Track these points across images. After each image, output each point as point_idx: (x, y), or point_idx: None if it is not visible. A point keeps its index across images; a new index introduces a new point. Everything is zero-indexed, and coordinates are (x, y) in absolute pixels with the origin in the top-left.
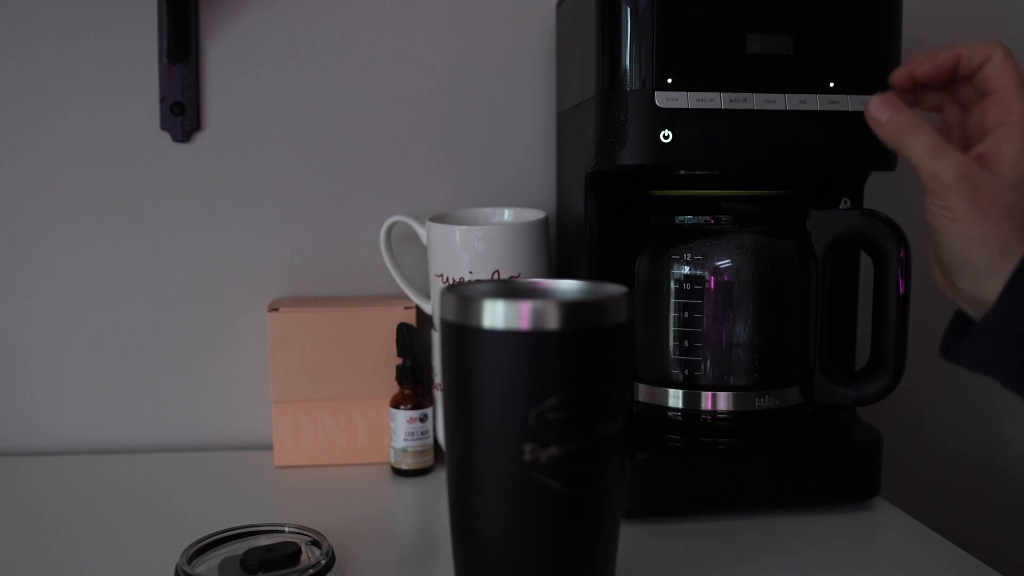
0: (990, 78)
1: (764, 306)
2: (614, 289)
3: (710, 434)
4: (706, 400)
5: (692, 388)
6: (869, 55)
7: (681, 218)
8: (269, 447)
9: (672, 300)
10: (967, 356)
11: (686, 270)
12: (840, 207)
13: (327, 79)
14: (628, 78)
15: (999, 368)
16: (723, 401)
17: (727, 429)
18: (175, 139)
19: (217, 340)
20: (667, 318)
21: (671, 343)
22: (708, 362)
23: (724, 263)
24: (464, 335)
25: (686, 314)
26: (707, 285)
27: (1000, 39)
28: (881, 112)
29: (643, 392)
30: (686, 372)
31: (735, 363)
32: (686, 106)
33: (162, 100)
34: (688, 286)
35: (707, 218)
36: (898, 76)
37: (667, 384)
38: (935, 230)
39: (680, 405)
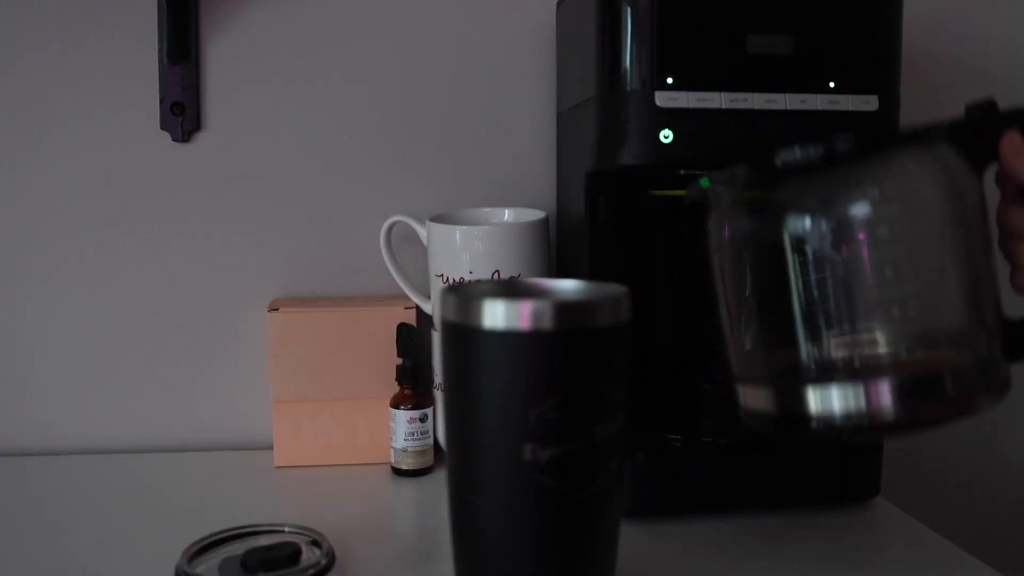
0: None
1: (922, 256)
2: (614, 289)
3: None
4: (868, 397)
5: (854, 380)
6: (869, 55)
7: (788, 155)
8: (269, 447)
9: (791, 268)
10: None
11: (805, 224)
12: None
13: (327, 79)
14: (628, 78)
15: None
16: (887, 396)
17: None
18: (175, 139)
19: (217, 340)
20: (789, 295)
21: (798, 329)
22: (857, 346)
23: (861, 206)
24: (464, 335)
25: (820, 286)
26: (846, 238)
27: (1000, 40)
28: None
29: (751, 396)
30: (830, 363)
31: (893, 342)
32: (686, 106)
33: (162, 100)
34: (815, 244)
35: (818, 147)
36: None
37: (801, 383)
38: None
39: (849, 406)
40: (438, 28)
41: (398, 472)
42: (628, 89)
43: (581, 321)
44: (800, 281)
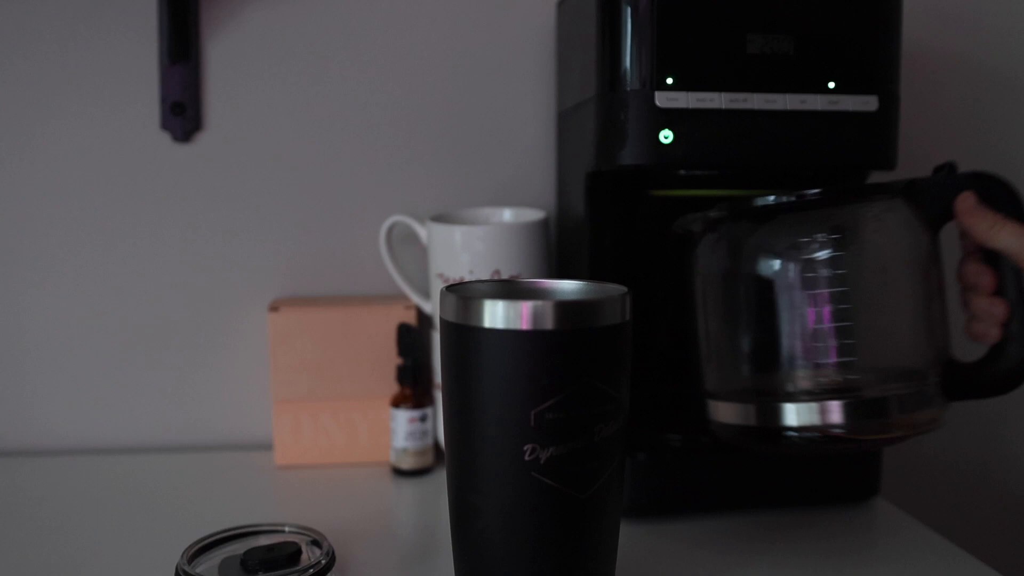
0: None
1: (882, 292)
2: (614, 289)
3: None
4: (826, 412)
5: (808, 399)
6: (869, 55)
7: (762, 200)
8: (269, 447)
9: (766, 296)
10: None
11: (776, 262)
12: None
13: (327, 78)
14: (628, 78)
15: None
16: (838, 411)
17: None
18: (175, 139)
19: (217, 340)
20: (768, 319)
21: (785, 347)
22: (825, 364)
23: (826, 250)
24: (464, 335)
25: (789, 312)
26: (811, 273)
27: (999, 40)
28: (976, 215)
29: (726, 412)
30: (799, 382)
31: (858, 364)
32: (686, 106)
33: (162, 100)
34: (792, 276)
35: (791, 196)
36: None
37: (777, 398)
38: None
39: (795, 422)
40: (438, 28)
41: (398, 472)
42: (628, 89)
43: (581, 321)
44: (766, 313)
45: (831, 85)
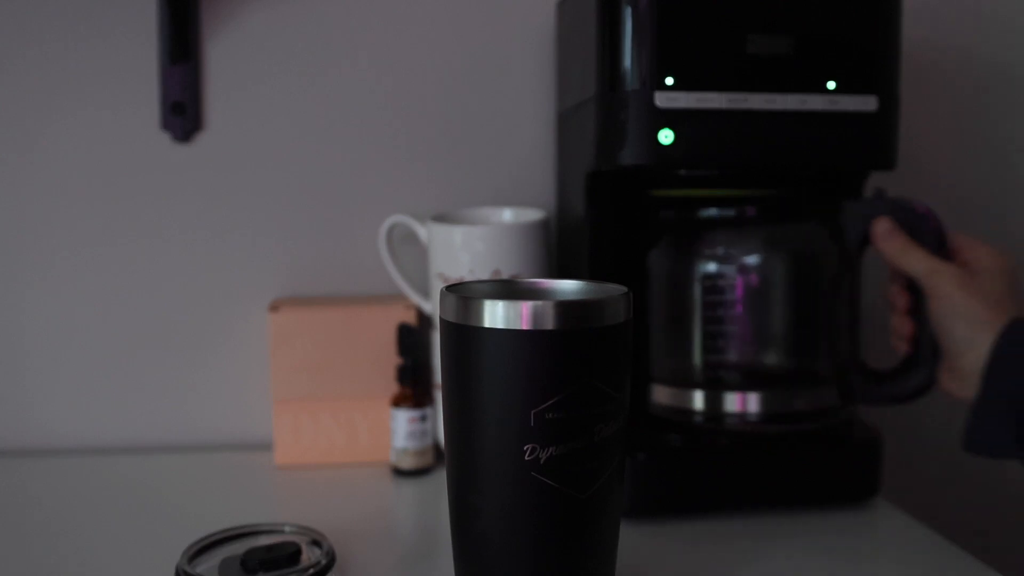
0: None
1: (796, 303)
2: (614, 289)
3: (717, 436)
4: (733, 402)
5: (718, 390)
6: (869, 55)
7: (705, 211)
8: (269, 447)
9: (696, 298)
10: (975, 443)
11: (712, 267)
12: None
13: (327, 79)
14: (628, 78)
15: (1008, 441)
16: (754, 403)
17: (753, 435)
18: (176, 139)
19: (217, 340)
20: (692, 317)
21: (696, 343)
22: (736, 363)
23: (752, 259)
24: (464, 335)
25: (713, 312)
26: (734, 281)
27: (999, 40)
28: (888, 239)
29: (662, 394)
30: (713, 373)
31: (765, 363)
32: (686, 106)
33: (162, 100)
34: (714, 283)
35: (731, 210)
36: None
37: (690, 386)
38: (936, 321)
39: (704, 407)
40: (438, 28)
41: (398, 472)
42: (628, 89)
43: (581, 321)
44: (701, 310)
45: (831, 85)
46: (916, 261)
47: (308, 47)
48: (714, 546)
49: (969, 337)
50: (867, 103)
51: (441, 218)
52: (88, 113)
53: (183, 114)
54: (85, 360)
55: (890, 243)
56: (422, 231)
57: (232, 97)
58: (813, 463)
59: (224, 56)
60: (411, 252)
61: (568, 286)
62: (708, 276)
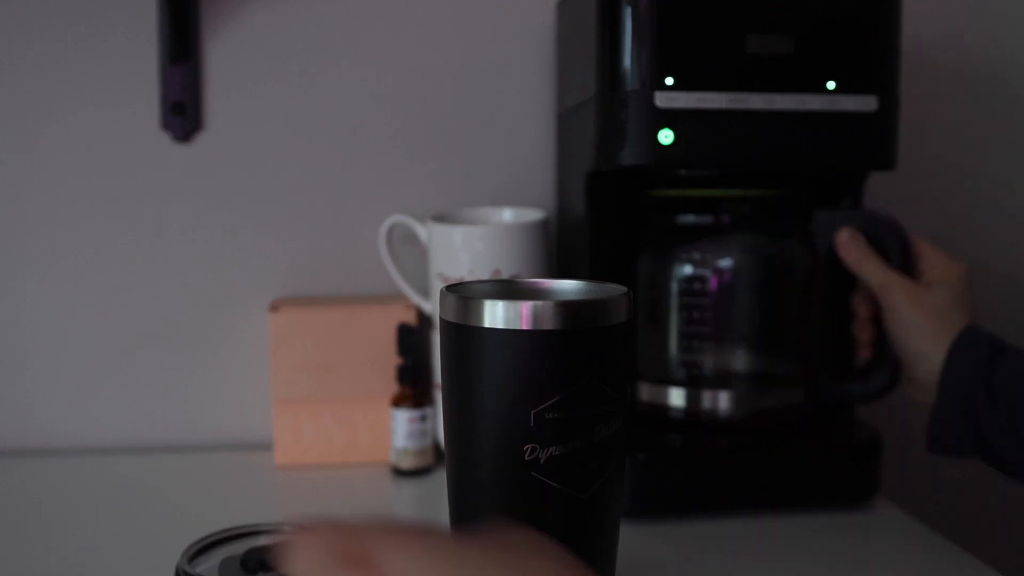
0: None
1: (768, 306)
2: (614, 289)
3: (710, 434)
4: (708, 399)
5: (695, 387)
6: (869, 55)
7: (682, 217)
8: (269, 447)
9: (675, 299)
10: (936, 444)
11: (688, 270)
12: (841, 207)
13: (327, 79)
14: (628, 78)
15: (965, 442)
16: (724, 400)
17: (727, 429)
18: (176, 139)
19: (217, 340)
20: (670, 317)
21: (673, 342)
22: (711, 361)
23: (726, 263)
24: (464, 335)
25: (689, 313)
26: (709, 285)
27: (1000, 40)
28: (848, 248)
29: (645, 391)
30: (689, 371)
31: (738, 362)
32: (686, 106)
33: (162, 100)
34: (691, 285)
35: (708, 217)
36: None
37: (669, 383)
38: (890, 332)
39: (683, 404)
40: (437, 28)
41: (398, 472)
42: (628, 89)
43: (581, 321)
44: (681, 312)
45: (831, 85)
46: (871, 273)
47: (308, 47)
48: (714, 546)
49: (920, 349)
50: (867, 103)
51: (441, 218)
52: (88, 113)
53: (183, 114)
54: (85, 360)
55: (850, 252)
56: (422, 231)
57: (232, 97)
58: (813, 463)
59: (224, 56)
60: (411, 252)
61: (568, 286)
62: (685, 279)
